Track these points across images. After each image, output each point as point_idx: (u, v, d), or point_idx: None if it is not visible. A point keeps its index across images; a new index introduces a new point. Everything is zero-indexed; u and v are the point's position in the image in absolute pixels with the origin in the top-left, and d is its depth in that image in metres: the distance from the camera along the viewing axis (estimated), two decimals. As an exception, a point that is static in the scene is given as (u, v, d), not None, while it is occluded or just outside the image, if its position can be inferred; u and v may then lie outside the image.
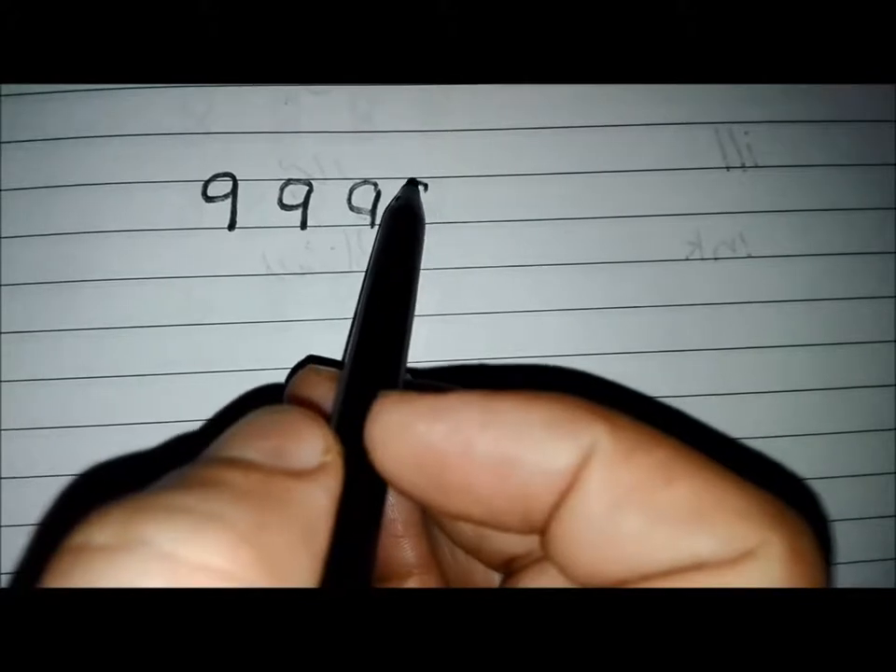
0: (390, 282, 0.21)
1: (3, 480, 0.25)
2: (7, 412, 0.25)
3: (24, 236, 0.25)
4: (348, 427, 0.15)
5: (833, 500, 0.27)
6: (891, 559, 0.27)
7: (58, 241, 0.25)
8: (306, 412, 0.15)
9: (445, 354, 0.26)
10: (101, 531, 0.12)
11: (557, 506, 0.14)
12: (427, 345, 0.26)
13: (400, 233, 0.24)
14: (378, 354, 0.19)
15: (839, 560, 0.27)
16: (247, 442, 0.14)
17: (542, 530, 0.14)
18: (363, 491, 0.15)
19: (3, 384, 0.25)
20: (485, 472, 0.14)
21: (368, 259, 0.25)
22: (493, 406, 0.14)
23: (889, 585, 0.27)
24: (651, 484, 0.13)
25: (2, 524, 0.25)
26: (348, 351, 0.20)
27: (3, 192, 0.25)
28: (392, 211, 0.25)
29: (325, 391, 0.19)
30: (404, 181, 0.26)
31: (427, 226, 0.25)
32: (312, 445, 0.14)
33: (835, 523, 0.27)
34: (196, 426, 0.25)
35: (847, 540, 0.27)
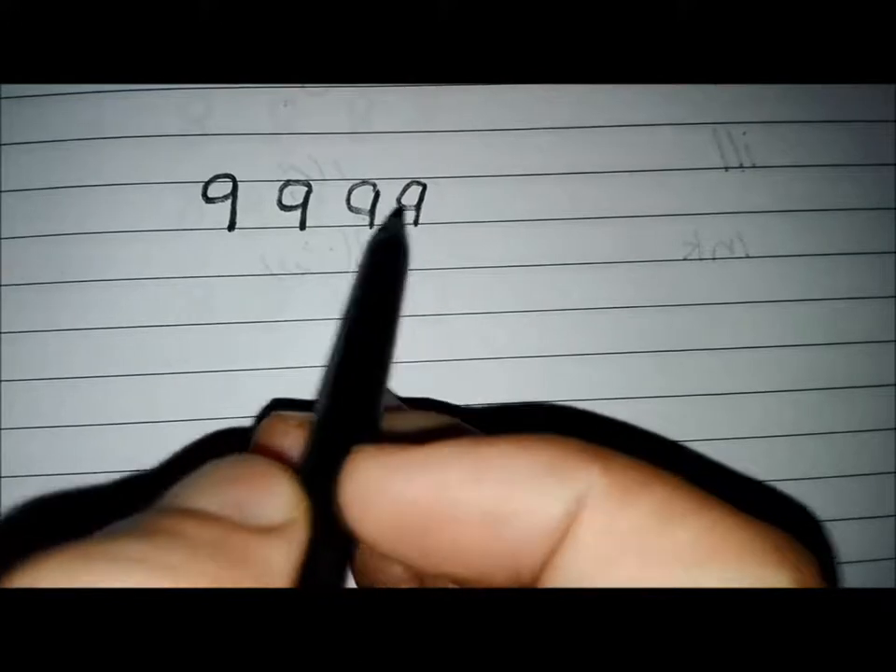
0: (370, 321, 0.20)
1: (3, 479, 0.25)
2: (7, 412, 0.25)
3: (25, 237, 0.25)
4: (318, 481, 0.14)
5: (834, 500, 0.27)
6: (891, 559, 0.27)
7: (58, 241, 0.25)
8: (272, 462, 0.14)
9: (442, 354, 0.26)
10: (47, 576, 0.11)
11: (549, 558, 0.13)
12: (425, 345, 0.26)
13: (383, 269, 0.22)
14: (354, 400, 0.17)
15: (839, 560, 0.27)
16: (207, 493, 0.13)
17: (532, 582, 0.13)
18: (329, 549, 0.14)
19: (3, 383, 0.25)
20: (472, 531, 0.13)
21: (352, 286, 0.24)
22: (479, 456, 0.13)
23: (889, 585, 0.27)
24: (648, 528, 0.13)
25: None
26: (321, 395, 0.18)
27: (3, 193, 0.25)
28: (376, 244, 0.24)
29: (293, 440, 0.17)
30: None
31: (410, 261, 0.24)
32: (277, 500, 0.13)
33: (835, 523, 0.27)
34: (195, 426, 0.25)
35: (847, 540, 0.27)
